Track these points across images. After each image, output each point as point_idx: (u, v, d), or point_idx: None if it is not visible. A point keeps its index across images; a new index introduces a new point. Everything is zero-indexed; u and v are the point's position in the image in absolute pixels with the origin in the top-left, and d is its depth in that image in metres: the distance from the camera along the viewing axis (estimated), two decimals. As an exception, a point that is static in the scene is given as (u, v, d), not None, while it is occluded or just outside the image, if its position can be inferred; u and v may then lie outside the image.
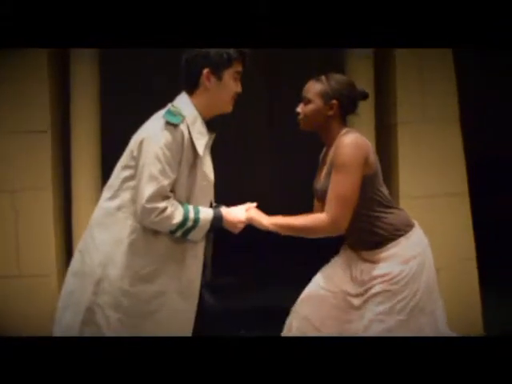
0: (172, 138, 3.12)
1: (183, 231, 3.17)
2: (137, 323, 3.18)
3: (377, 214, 3.29)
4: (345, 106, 3.33)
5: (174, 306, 3.24)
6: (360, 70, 5.78)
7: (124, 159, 3.26)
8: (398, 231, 3.29)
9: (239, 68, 3.28)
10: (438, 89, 5.96)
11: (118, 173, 3.25)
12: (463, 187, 6.03)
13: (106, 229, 3.22)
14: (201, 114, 3.25)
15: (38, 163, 5.75)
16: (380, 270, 3.30)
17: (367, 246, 3.35)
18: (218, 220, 3.24)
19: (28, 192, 5.74)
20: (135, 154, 3.19)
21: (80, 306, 3.20)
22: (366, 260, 3.36)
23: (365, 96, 3.42)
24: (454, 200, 5.97)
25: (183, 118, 3.15)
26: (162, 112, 3.23)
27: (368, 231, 3.30)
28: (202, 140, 3.22)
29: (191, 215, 3.16)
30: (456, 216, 5.98)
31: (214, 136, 3.33)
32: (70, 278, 3.30)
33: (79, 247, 3.32)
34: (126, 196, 3.20)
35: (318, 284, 3.46)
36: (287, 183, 9.57)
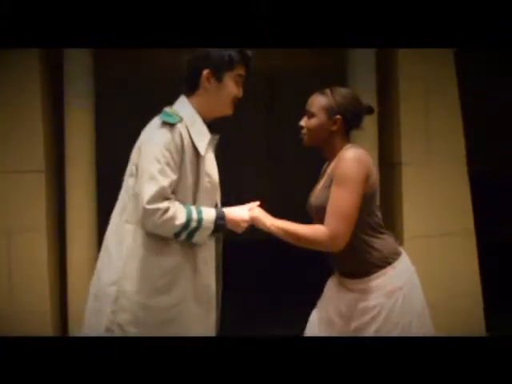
0: (170, 137, 3.08)
1: (188, 233, 3.11)
2: (156, 335, 3.15)
3: (367, 237, 3.22)
4: (349, 121, 3.27)
5: (193, 314, 3.21)
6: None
7: (128, 169, 3.23)
8: (386, 259, 3.22)
9: (241, 71, 3.25)
10: (444, 128, 5.96)
11: (125, 184, 3.22)
12: (469, 226, 5.99)
13: (118, 243, 3.18)
14: (200, 115, 3.23)
15: (32, 204, 5.74)
16: (365, 302, 3.23)
17: (353, 274, 3.28)
18: (221, 219, 3.18)
19: (22, 233, 5.73)
20: (136, 159, 3.16)
21: (100, 328, 3.18)
22: (350, 290, 3.29)
23: (370, 111, 3.35)
24: (459, 239, 5.95)
25: (180, 118, 3.13)
26: (158, 117, 3.22)
27: (355, 257, 3.23)
28: (202, 140, 3.18)
29: (194, 215, 3.10)
30: (462, 255, 5.95)
31: (217, 137, 3.29)
32: (89, 301, 3.28)
33: (96, 267, 3.30)
34: (131, 206, 3.17)
35: (315, 314, 3.46)
36: (285, 196, 9.49)
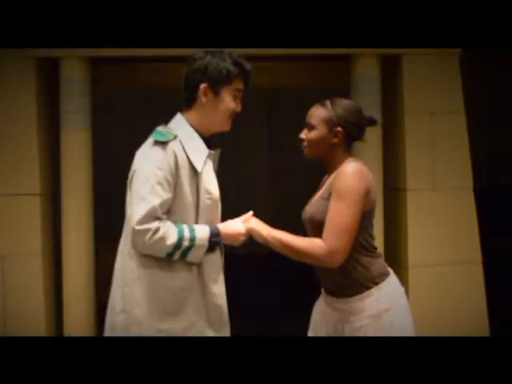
0: (162, 156, 3.04)
1: (181, 252, 3.06)
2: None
3: (356, 255, 3.15)
4: (350, 133, 3.21)
5: (206, 334, 3.17)
6: (368, 135, 5.46)
7: (127, 195, 3.17)
8: (373, 279, 3.16)
9: (239, 86, 3.19)
10: (450, 152, 5.92)
11: (126, 210, 3.16)
12: (476, 255, 5.92)
13: (122, 268, 3.14)
14: (198, 130, 3.19)
15: (27, 227, 5.70)
16: (351, 324, 3.19)
17: (338, 292, 3.22)
18: (215, 236, 3.12)
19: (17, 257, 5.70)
20: (129, 182, 3.14)
21: None
22: (336, 310, 3.23)
23: (372, 122, 3.31)
24: (465, 269, 5.88)
25: (174, 135, 3.09)
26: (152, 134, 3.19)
27: (342, 274, 3.16)
28: (199, 156, 3.14)
29: (186, 234, 3.05)
30: (468, 285, 5.88)
31: (219, 152, 3.26)
32: (106, 332, 3.23)
33: (109, 304, 3.25)
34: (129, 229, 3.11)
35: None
36: (286, 208, 9.33)
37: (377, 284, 3.17)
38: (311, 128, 3.24)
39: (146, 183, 3.02)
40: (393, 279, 3.24)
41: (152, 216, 3.01)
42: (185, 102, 3.23)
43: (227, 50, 3.17)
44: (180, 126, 3.18)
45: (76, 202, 5.75)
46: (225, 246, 3.27)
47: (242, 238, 3.21)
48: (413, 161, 5.88)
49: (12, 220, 5.69)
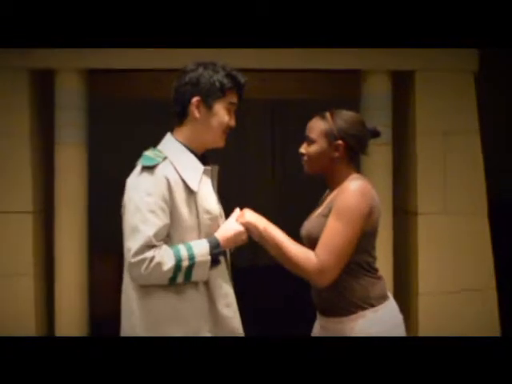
0: (151, 181, 2.96)
1: (184, 274, 2.96)
2: None
3: (355, 275, 3.10)
4: (352, 146, 3.15)
5: None
6: (377, 156, 5.59)
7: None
8: (368, 300, 3.10)
9: (233, 99, 3.12)
10: (464, 174, 5.82)
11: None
12: (491, 283, 5.82)
13: (126, 299, 3.06)
14: (190, 147, 3.10)
15: (19, 246, 5.63)
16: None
17: (331, 311, 3.16)
18: (215, 247, 3.02)
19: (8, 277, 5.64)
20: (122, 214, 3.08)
21: None
22: (329, 330, 3.18)
23: (375, 134, 3.25)
24: (480, 296, 5.79)
25: (163, 158, 3.00)
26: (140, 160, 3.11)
27: (335, 291, 3.11)
28: (194, 175, 3.05)
29: (184, 253, 2.95)
30: (482, 314, 5.79)
31: (216, 168, 3.18)
32: None
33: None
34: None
35: None
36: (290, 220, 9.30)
37: (373, 306, 3.09)
38: (311, 142, 3.18)
39: (137, 213, 2.93)
40: (392, 305, 3.18)
41: (147, 246, 2.92)
42: (175, 117, 3.14)
43: (220, 63, 3.10)
44: (169, 145, 3.09)
45: (70, 220, 5.66)
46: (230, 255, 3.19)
47: (244, 237, 3.11)
48: (424, 183, 5.78)
49: (3, 238, 5.61)
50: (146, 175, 2.97)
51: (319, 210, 3.19)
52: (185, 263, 2.93)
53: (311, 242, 3.10)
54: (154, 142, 3.16)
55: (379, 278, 3.17)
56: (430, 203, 5.77)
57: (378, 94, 5.75)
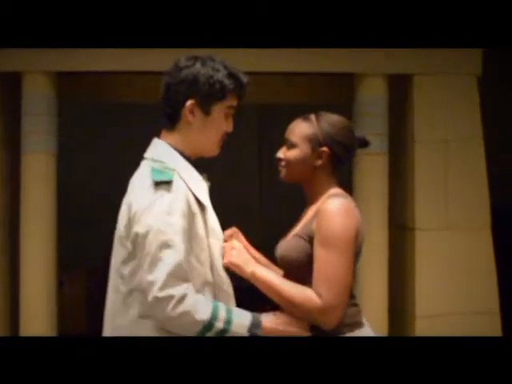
0: (170, 199, 2.70)
1: (213, 334, 2.71)
2: None
3: None
4: (338, 155, 2.97)
5: None
6: (372, 166, 5.56)
7: (118, 256, 2.83)
8: (341, 328, 2.91)
9: (233, 103, 2.87)
10: (466, 186, 5.71)
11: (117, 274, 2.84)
12: (494, 305, 5.69)
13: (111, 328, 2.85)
14: (184, 155, 2.86)
15: None
16: None
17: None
18: (256, 326, 2.77)
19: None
20: (124, 233, 2.76)
21: None
22: None
23: (364, 144, 3.09)
24: (482, 320, 5.65)
25: (173, 170, 2.77)
26: (143, 174, 2.79)
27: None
28: (201, 188, 2.85)
29: (221, 313, 2.70)
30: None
31: (208, 181, 2.96)
32: None
33: None
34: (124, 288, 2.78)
35: None
36: (276, 196, 9.39)
37: (344, 333, 2.95)
38: (291, 146, 2.99)
39: (160, 236, 2.63)
40: (367, 332, 3.02)
41: (177, 276, 2.64)
42: (165, 119, 2.88)
43: (219, 59, 2.84)
44: (169, 155, 2.83)
45: (37, 234, 5.54)
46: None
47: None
48: (423, 195, 5.69)
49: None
50: (162, 192, 2.69)
51: (296, 229, 3.02)
52: (218, 324, 2.69)
53: (284, 265, 2.98)
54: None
55: (354, 304, 3.02)
56: (429, 218, 5.68)
57: (372, 98, 5.66)
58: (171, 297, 2.61)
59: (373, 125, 5.52)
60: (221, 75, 2.80)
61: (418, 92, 5.67)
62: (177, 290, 2.63)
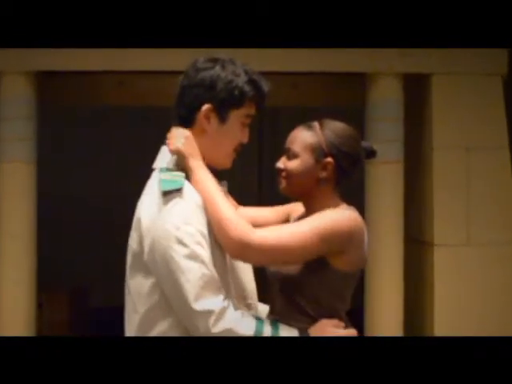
0: (184, 207, 2.68)
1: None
2: None
3: (316, 319, 2.88)
4: (343, 167, 2.90)
5: None
6: (386, 176, 5.47)
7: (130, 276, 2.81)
8: None
9: (251, 111, 2.83)
10: (489, 198, 5.58)
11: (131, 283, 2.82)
12: None
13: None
14: None
15: None
16: None
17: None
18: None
19: None
20: (138, 248, 2.71)
21: None
22: None
23: (371, 154, 3.03)
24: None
25: (183, 177, 2.75)
26: (152, 186, 2.77)
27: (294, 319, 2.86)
28: None
29: (267, 330, 2.69)
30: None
31: (225, 185, 2.91)
32: None
33: None
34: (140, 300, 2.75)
35: None
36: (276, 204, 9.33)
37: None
38: (292, 156, 2.92)
39: (182, 249, 2.61)
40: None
41: (209, 288, 2.61)
42: (177, 123, 2.82)
43: (239, 62, 2.80)
44: (177, 163, 2.84)
45: (16, 250, 5.49)
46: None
47: None
48: (443, 208, 5.60)
49: None
50: (176, 201, 2.67)
51: None
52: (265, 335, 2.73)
53: (276, 283, 2.90)
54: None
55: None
56: (450, 232, 5.60)
57: (386, 101, 5.59)
58: (209, 312, 2.61)
59: (387, 130, 5.46)
60: (241, 81, 2.75)
61: (437, 94, 5.59)
62: (215, 304, 2.62)
